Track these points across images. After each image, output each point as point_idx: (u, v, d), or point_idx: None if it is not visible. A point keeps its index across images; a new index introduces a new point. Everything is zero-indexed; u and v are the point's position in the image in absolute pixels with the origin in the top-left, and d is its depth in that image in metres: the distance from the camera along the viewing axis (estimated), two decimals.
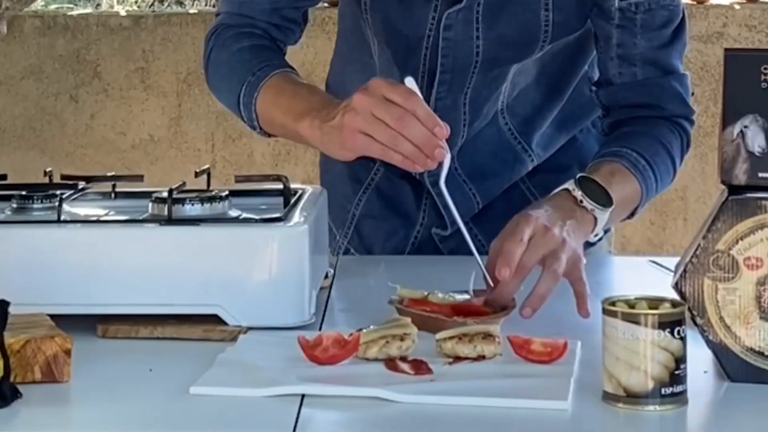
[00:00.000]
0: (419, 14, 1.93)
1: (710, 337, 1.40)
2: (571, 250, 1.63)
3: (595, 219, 1.71)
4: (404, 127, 1.58)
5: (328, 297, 1.76)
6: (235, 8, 1.97)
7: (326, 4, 4.33)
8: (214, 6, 4.89)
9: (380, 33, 1.98)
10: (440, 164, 1.61)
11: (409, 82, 1.62)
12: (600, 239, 2.10)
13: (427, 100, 1.96)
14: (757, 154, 1.42)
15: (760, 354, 1.38)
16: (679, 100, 1.93)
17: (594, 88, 1.97)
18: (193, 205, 1.65)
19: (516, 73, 1.96)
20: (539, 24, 1.90)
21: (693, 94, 1.97)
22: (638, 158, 1.83)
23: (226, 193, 1.70)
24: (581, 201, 1.70)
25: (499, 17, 1.90)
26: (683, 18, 1.92)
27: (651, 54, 1.90)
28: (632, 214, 1.88)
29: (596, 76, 2.02)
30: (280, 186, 1.74)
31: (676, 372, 1.30)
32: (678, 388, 1.30)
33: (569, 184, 1.72)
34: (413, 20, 1.93)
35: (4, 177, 1.79)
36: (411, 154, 1.59)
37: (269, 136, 1.91)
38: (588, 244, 2.07)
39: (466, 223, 2.04)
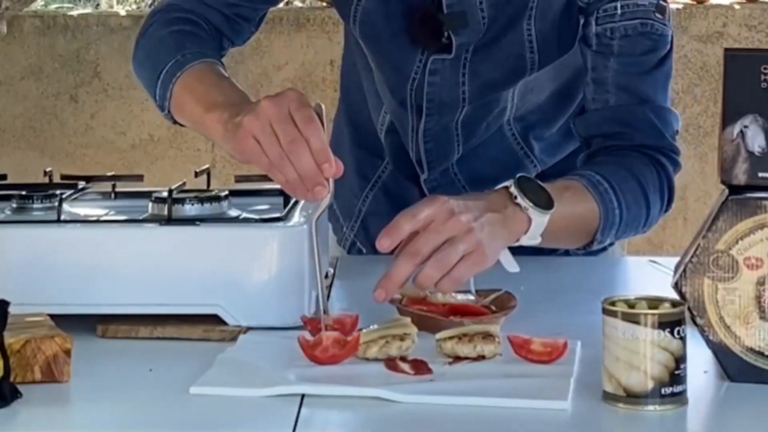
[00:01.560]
0: (407, 54, 1.90)
1: (710, 337, 1.40)
2: (474, 243, 1.52)
3: (530, 219, 1.60)
4: (293, 152, 1.50)
5: (328, 297, 1.76)
6: None
7: (325, 4, 4.33)
8: None
9: (372, 57, 1.97)
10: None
11: (317, 106, 1.54)
12: (612, 244, 2.05)
13: (416, 127, 1.96)
14: (757, 153, 1.42)
15: (760, 354, 1.38)
16: (653, 130, 1.82)
17: (573, 119, 1.91)
18: (192, 205, 1.65)
19: (526, 90, 1.95)
20: (525, 64, 1.89)
21: (677, 132, 1.87)
22: (600, 180, 1.73)
23: (226, 193, 1.70)
24: (515, 197, 1.60)
25: (485, 63, 1.88)
26: (670, 50, 1.84)
27: (624, 79, 1.82)
28: (592, 242, 1.77)
29: None
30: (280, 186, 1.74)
31: (676, 372, 1.30)
32: (678, 388, 1.30)
33: (509, 182, 1.62)
34: (401, 58, 1.91)
35: (4, 177, 1.79)
36: (292, 181, 1.51)
37: (174, 122, 1.82)
38: (601, 249, 2.02)
39: None
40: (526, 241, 1.62)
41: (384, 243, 1.53)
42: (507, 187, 1.61)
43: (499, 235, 1.57)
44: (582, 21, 1.85)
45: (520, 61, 1.88)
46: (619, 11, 1.81)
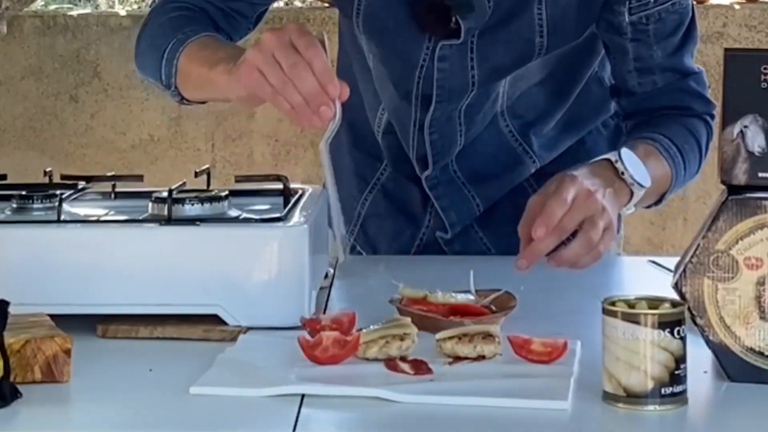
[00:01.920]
0: (413, 43, 1.91)
1: (710, 337, 1.40)
2: (608, 219, 1.63)
3: (632, 194, 1.71)
4: (296, 75, 1.51)
5: (328, 297, 1.76)
6: None
7: (326, 5, 4.33)
8: None
9: (375, 52, 1.97)
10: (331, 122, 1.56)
11: (318, 33, 1.57)
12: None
13: (421, 119, 1.96)
14: (756, 154, 1.42)
15: (760, 354, 1.38)
16: (702, 99, 1.95)
17: (614, 97, 1.97)
18: (192, 205, 1.65)
19: (517, 77, 1.96)
20: (533, 49, 1.90)
21: (709, 86, 1.99)
22: (670, 144, 1.84)
23: (226, 193, 1.70)
24: (623, 173, 1.70)
25: (494, 47, 1.89)
26: (693, 15, 1.92)
27: (667, 61, 1.90)
28: (660, 201, 1.88)
29: (606, 76, 2.02)
30: (280, 186, 1.74)
31: (676, 372, 1.30)
32: (678, 388, 1.30)
33: (612, 155, 1.71)
34: (408, 47, 1.92)
35: (4, 177, 1.79)
36: (297, 105, 1.53)
37: (181, 100, 1.83)
38: None
39: (470, 226, 2.05)
40: (624, 212, 1.74)
41: (540, 232, 1.58)
42: (611, 162, 1.71)
43: (615, 207, 1.67)
44: (607, 11, 1.87)
45: (528, 45, 1.90)
46: None
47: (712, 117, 1.96)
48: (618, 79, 1.94)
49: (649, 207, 1.91)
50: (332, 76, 1.53)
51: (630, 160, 1.72)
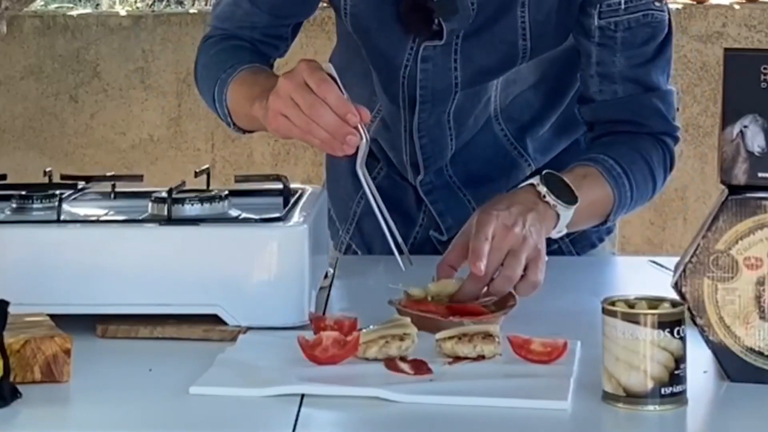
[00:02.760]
0: (397, 43, 1.92)
1: (710, 337, 1.40)
2: (531, 248, 1.62)
3: (558, 215, 1.70)
4: (315, 115, 1.60)
5: (328, 297, 1.76)
6: (217, 22, 1.99)
7: (325, 4, 4.33)
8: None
9: (365, 52, 1.98)
10: (358, 148, 1.62)
11: (327, 68, 1.63)
12: (602, 240, 2.10)
13: (410, 122, 1.97)
14: (756, 154, 1.42)
15: (760, 354, 1.38)
16: (660, 116, 1.89)
17: (577, 104, 1.95)
18: (192, 205, 1.65)
19: (508, 81, 1.96)
20: (517, 52, 1.90)
21: (678, 109, 1.95)
22: (613, 165, 1.81)
23: (226, 193, 1.70)
24: (544, 196, 1.69)
25: (477, 49, 1.89)
26: (668, 33, 1.89)
27: (631, 72, 1.87)
28: (605, 221, 1.86)
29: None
30: (280, 186, 1.74)
31: (676, 372, 1.30)
32: (678, 388, 1.30)
33: (535, 179, 1.71)
34: (392, 48, 1.93)
35: (4, 177, 1.79)
36: (325, 140, 1.61)
37: (243, 132, 1.92)
38: (590, 246, 2.07)
39: None
40: (555, 234, 1.72)
41: (480, 266, 1.60)
42: (533, 185, 1.70)
43: (542, 231, 1.66)
44: (580, 12, 1.86)
45: (512, 48, 1.89)
46: (623, 5, 1.84)
47: (674, 139, 1.92)
48: (582, 85, 1.92)
49: (595, 227, 1.91)
50: (348, 106, 1.60)
51: (554, 182, 1.71)
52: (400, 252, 1.65)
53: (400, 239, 1.68)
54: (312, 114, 1.60)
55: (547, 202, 1.69)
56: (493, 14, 1.87)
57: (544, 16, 1.87)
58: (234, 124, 1.89)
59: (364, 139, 1.62)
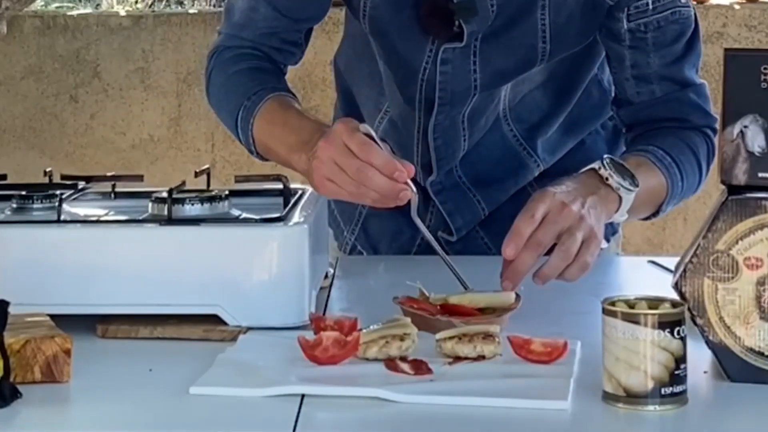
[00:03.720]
0: (416, 45, 1.91)
1: (710, 337, 1.40)
2: (588, 229, 1.62)
3: (620, 198, 1.70)
4: (364, 179, 1.59)
5: (328, 297, 1.76)
6: (234, 30, 1.96)
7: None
8: (214, 6, 4.89)
9: (381, 54, 1.97)
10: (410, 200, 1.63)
11: (364, 128, 1.62)
12: (608, 240, 2.09)
13: (425, 124, 1.96)
14: (757, 154, 1.42)
15: (760, 354, 1.38)
16: (701, 111, 1.92)
17: (614, 107, 1.96)
18: (193, 205, 1.65)
19: (518, 81, 1.95)
20: (536, 54, 1.90)
21: (712, 99, 1.97)
22: (664, 155, 1.83)
23: (226, 193, 1.70)
24: (607, 179, 1.69)
25: (496, 51, 1.89)
26: (696, 27, 1.90)
27: (666, 70, 1.89)
28: (657, 212, 1.87)
29: (605, 78, 2.02)
30: (280, 186, 1.74)
31: (676, 372, 1.30)
32: (678, 388, 1.30)
33: (596, 164, 1.71)
34: (411, 50, 1.92)
35: (4, 177, 1.79)
36: (377, 201, 1.61)
37: (265, 159, 1.91)
38: None
39: (473, 229, 2.05)
40: (617, 218, 1.73)
41: (509, 251, 1.60)
42: (596, 170, 1.70)
43: (601, 215, 1.66)
44: (608, 17, 1.87)
45: (531, 50, 1.89)
46: (650, 6, 1.85)
47: (714, 131, 1.94)
48: (618, 88, 1.94)
49: (647, 219, 1.90)
50: (395, 165, 1.58)
51: (615, 166, 1.71)
52: (465, 287, 1.64)
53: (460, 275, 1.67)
54: (360, 179, 1.59)
55: (610, 186, 1.69)
56: (513, 16, 1.87)
57: (564, 18, 1.87)
58: (256, 152, 1.89)
59: (415, 191, 1.62)
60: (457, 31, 1.87)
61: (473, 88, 1.92)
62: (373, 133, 1.62)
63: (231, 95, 1.89)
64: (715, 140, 1.93)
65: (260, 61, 1.92)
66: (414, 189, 1.62)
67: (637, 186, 1.71)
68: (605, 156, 1.73)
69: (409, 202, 1.63)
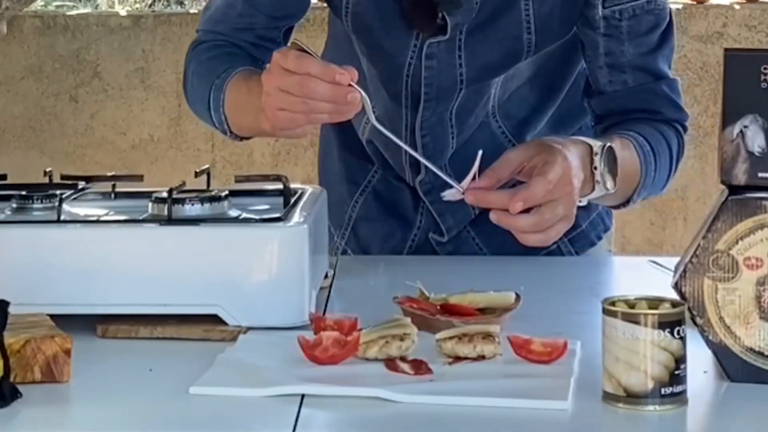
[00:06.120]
0: (401, 40, 1.91)
1: (710, 337, 1.40)
2: (569, 208, 1.61)
3: (593, 189, 1.69)
4: (308, 91, 1.57)
5: (328, 297, 1.76)
6: (211, 26, 1.96)
7: (324, 4, 4.33)
8: None
9: (364, 51, 1.97)
10: (364, 107, 1.61)
11: (293, 44, 1.62)
12: (600, 238, 2.10)
13: (412, 121, 1.96)
14: (757, 154, 1.42)
15: (760, 354, 1.38)
16: (673, 104, 1.91)
17: (586, 97, 1.95)
18: (193, 205, 1.65)
19: (507, 77, 1.95)
20: (522, 46, 1.89)
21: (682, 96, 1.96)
22: (644, 142, 1.82)
23: (226, 193, 1.70)
24: (595, 167, 1.69)
25: (482, 44, 1.89)
26: (670, 21, 1.90)
27: (640, 60, 1.88)
28: (627, 203, 1.85)
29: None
30: (280, 186, 1.74)
31: (676, 372, 1.30)
32: (678, 388, 1.30)
33: (595, 146, 1.69)
34: (395, 45, 1.92)
35: (4, 177, 1.79)
36: (329, 111, 1.59)
37: (240, 139, 1.89)
38: (589, 245, 2.07)
39: (464, 229, 2.04)
40: (578, 202, 1.69)
41: (516, 207, 1.57)
42: (591, 150, 1.69)
43: (578, 198, 1.65)
44: (585, 4, 1.87)
45: (517, 42, 1.89)
46: None
47: (684, 128, 1.93)
48: (591, 77, 1.93)
49: (615, 208, 1.90)
50: (334, 69, 1.57)
51: (607, 160, 1.70)
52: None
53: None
54: (304, 92, 1.58)
55: (593, 173, 1.68)
56: (497, 8, 1.87)
57: (548, 8, 1.87)
58: (230, 132, 1.86)
59: (364, 94, 1.59)
60: (441, 24, 1.87)
61: (459, 82, 1.91)
62: (306, 47, 1.61)
63: (203, 80, 1.88)
64: (686, 137, 1.93)
65: (234, 48, 1.92)
66: (362, 92, 1.59)
67: (614, 186, 1.71)
68: (606, 143, 1.71)
69: (364, 112, 1.61)
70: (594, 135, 1.98)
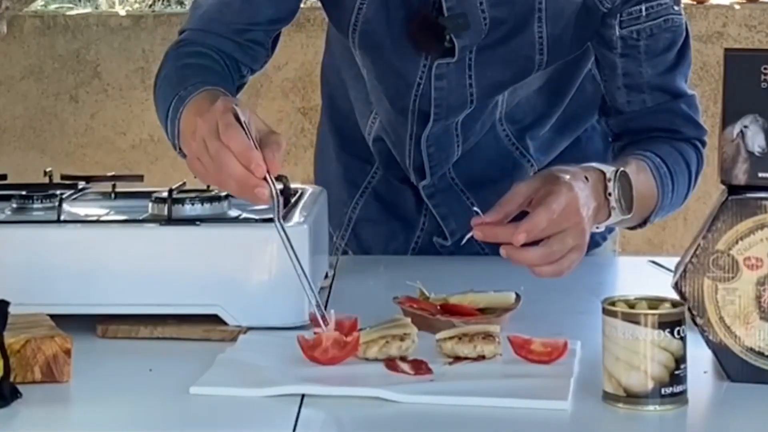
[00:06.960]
0: (410, 60, 1.89)
1: (710, 337, 1.40)
2: (580, 239, 1.58)
3: (609, 216, 1.67)
4: (220, 164, 1.47)
5: (328, 297, 1.76)
6: (201, 25, 1.86)
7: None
8: None
9: (369, 68, 1.94)
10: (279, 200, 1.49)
11: (242, 112, 1.49)
12: (605, 239, 2.10)
13: (419, 133, 1.94)
14: (757, 154, 1.42)
15: (760, 354, 1.38)
16: (692, 122, 1.91)
17: (603, 116, 1.94)
18: (192, 205, 1.65)
19: (516, 87, 1.94)
20: (533, 65, 1.88)
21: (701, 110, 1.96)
22: (661, 164, 1.81)
23: (226, 192, 1.70)
24: (610, 193, 1.66)
25: (492, 64, 1.87)
26: (687, 36, 1.89)
27: (658, 80, 1.87)
28: (644, 223, 1.84)
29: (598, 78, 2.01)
30: (280, 186, 1.73)
31: (676, 372, 1.30)
32: (678, 388, 1.30)
33: (608, 171, 1.67)
34: (404, 65, 1.90)
35: (4, 177, 1.79)
36: (236, 190, 1.50)
37: (185, 156, 1.71)
38: (594, 245, 2.07)
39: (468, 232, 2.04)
40: (595, 229, 1.67)
41: (520, 238, 1.54)
42: (605, 175, 1.66)
43: (591, 226, 1.63)
44: (601, 24, 1.85)
45: (528, 62, 1.88)
46: (644, 12, 1.83)
47: (703, 144, 1.92)
48: (608, 97, 1.91)
49: (632, 228, 1.88)
50: (253, 156, 1.45)
51: (622, 183, 1.68)
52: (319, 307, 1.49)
53: (315, 299, 1.50)
54: (217, 162, 1.47)
55: (608, 200, 1.66)
56: (509, 29, 1.85)
57: (560, 29, 1.85)
58: (180, 148, 1.69)
59: (274, 192, 1.46)
60: (448, 46, 1.86)
61: (469, 102, 1.90)
62: (248, 119, 1.49)
63: (170, 86, 1.76)
64: (704, 152, 1.92)
65: (214, 62, 1.82)
66: (277, 191, 1.47)
67: (630, 210, 1.69)
68: (619, 168, 1.68)
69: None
70: (606, 146, 1.98)
